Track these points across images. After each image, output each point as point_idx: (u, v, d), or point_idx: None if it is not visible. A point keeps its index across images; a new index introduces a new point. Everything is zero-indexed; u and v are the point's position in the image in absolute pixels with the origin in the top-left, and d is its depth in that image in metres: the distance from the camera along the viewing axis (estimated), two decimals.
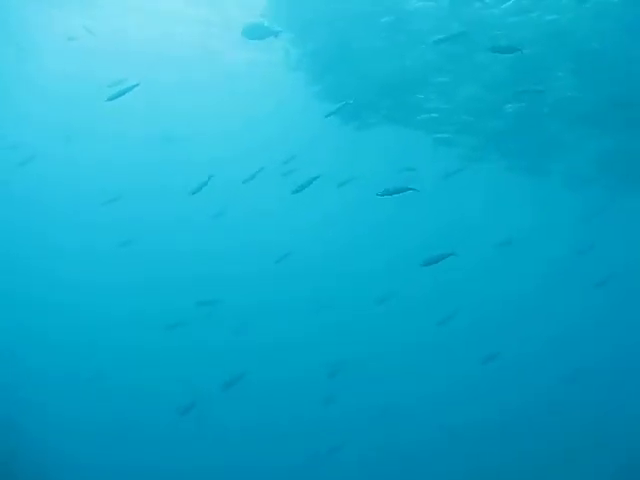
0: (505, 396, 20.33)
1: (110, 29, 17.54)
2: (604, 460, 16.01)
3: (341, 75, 15.61)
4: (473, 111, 15.69)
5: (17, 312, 22.47)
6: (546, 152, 16.50)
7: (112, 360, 21.11)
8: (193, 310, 17.49)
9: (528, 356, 22.26)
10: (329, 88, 16.45)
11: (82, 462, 16.33)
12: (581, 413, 18.84)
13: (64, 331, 24.19)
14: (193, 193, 9.82)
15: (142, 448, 17.93)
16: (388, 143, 18.56)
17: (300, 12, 13.90)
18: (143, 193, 24.89)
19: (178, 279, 25.34)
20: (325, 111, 11.21)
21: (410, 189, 7.94)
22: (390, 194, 7.79)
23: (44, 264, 27.68)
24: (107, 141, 24.85)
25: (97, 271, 26.91)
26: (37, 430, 16.01)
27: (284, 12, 13.98)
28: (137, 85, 9.11)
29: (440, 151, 17.79)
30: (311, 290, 25.10)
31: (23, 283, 25.59)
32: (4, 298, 22.28)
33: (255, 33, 10.34)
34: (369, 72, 15.24)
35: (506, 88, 14.26)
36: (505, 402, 19.89)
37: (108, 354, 21.93)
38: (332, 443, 17.78)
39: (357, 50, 14.79)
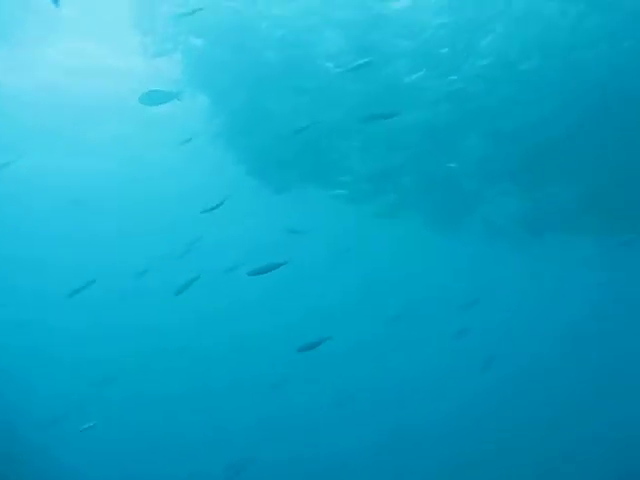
0: None
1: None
2: None
3: (258, 136, 15.51)
4: (388, 169, 15.69)
5: None
6: (460, 208, 16.56)
7: None
8: None
9: None
10: (247, 150, 16.25)
11: None
12: None
13: None
14: None
15: None
16: (305, 205, 18.27)
17: (215, 77, 14.11)
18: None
19: None
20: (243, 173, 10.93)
21: (279, 265, 7.91)
22: (259, 273, 7.74)
23: None
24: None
25: None
26: None
27: (200, 78, 14.29)
28: None
29: (355, 209, 17.62)
30: None
31: None
32: None
33: (152, 99, 9.97)
34: (286, 133, 15.07)
35: (419, 147, 14.48)
36: None
37: None
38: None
39: (273, 111, 14.81)
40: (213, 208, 10.76)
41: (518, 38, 11.26)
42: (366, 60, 11.18)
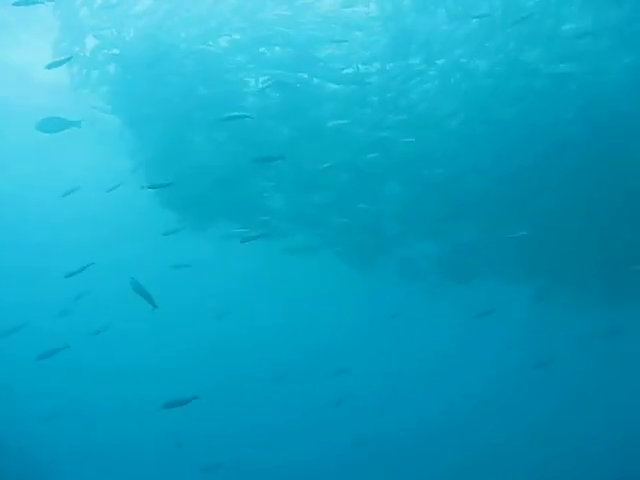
0: None
1: None
2: None
3: (175, 169, 14.78)
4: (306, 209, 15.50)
5: None
6: (378, 248, 16.66)
7: None
8: None
9: None
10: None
11: None
12: None
13: None
14: None
15: None
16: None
17: (135, 107, 13.72)
18: None
19: None
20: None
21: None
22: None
23: None
24: None
25: None
26: None
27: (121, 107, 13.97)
28: None
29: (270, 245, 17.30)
30: None
31: None
32: None
33: (50, 126, 10.08)
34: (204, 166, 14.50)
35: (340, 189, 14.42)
36: None
37: None
38: None
39: (193, 145, 14.31)
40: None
41: (447, 92, 11.51)
42: (243, 113, 11.86)
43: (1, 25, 13.40)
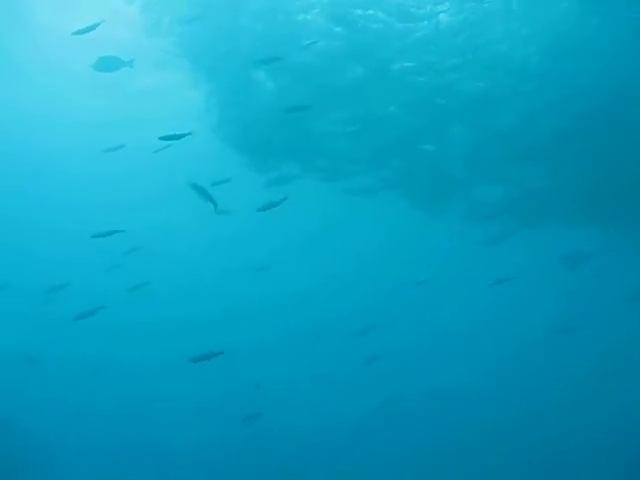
0: None
1: None
2: None
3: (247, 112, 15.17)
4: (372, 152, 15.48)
5: None
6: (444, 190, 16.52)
7: None
8: None
9: None
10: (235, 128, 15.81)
11: None
12: None
13: None
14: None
15: None
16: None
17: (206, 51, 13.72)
18: None
19: None
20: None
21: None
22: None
23: None
24: None
25: None
26: None
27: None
28: None
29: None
30: None
31: None
32: None
33: (105, 65, 10.36)
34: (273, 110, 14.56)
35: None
36: None
37: None
38: None
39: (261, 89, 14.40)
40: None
41: (518, 34, 10.99)
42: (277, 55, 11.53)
43: None
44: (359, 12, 12.36)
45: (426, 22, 11.88)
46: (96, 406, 21.14)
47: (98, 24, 9.99)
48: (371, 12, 12.37)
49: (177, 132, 9.11)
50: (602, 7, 10.33)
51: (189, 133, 9.12)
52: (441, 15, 11.58)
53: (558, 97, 11.97)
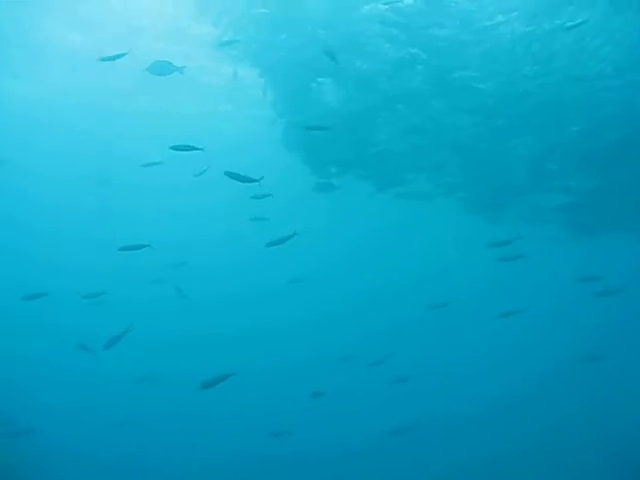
0: None
1: None
2: None
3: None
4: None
5: None
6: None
7: None
8: None
9: None
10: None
11: None
12: None
13: None
14: None
15: None
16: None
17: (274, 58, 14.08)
18: None
19: None
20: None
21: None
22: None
23: None
24: None
25: None
26: None
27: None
28: None
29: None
30: None
31: None
32: None
33: (158, 69, 11.03)
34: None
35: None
36: None
37: None
38: None
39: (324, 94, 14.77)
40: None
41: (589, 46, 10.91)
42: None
43: None
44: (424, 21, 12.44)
45: (493, 32, 11.91)
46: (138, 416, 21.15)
47: (125, 54, 10.73)
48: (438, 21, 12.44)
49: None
50: None
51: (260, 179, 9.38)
52: (509, 26, 11.57)
53: (625, 108, 11.81)
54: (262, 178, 9.18)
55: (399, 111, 14.64)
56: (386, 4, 11.90)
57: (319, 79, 14.46)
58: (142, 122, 19.43)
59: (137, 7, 14.11)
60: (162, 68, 10.97)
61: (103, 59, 10.62)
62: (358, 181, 17.19)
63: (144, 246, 10.73)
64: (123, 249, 10.81)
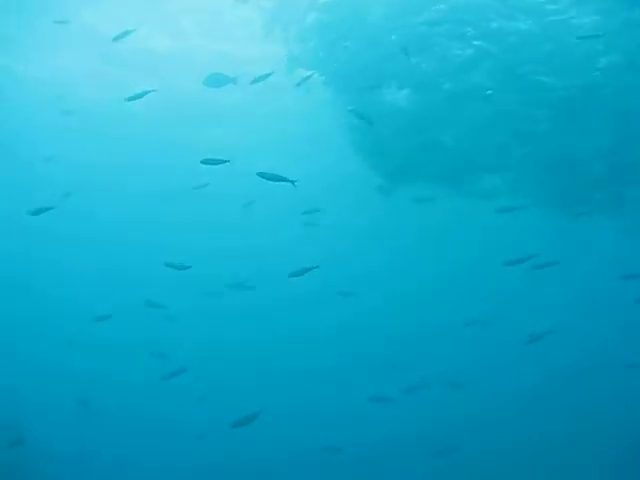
0: None
1: None
2: None
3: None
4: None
5: None
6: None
7: None
8: None
9: None
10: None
11: None
12: None
13: None
14: None
15: None
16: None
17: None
18: None
19: None
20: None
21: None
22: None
23: None
24: None
25: None
26: None
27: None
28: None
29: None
30: None
31: None
32: None
33: (214, 81, 11.37)
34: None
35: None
36: None
37: None
38: None
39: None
40: None
41: None
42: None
43: None
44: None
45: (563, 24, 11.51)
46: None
47: (150, 91, 11.09)
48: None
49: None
50: None
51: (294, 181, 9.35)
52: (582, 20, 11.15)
53: None
54: (297, 181, 9.14)
55: (467, 110, 14.38)
56: None
57: (385, 82, 14.47)
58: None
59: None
60: (217, 81, 11.41)
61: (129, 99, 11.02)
62: (425, 182, 17.00)
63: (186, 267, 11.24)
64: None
